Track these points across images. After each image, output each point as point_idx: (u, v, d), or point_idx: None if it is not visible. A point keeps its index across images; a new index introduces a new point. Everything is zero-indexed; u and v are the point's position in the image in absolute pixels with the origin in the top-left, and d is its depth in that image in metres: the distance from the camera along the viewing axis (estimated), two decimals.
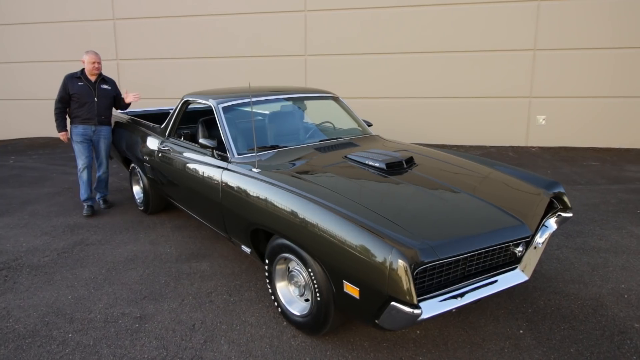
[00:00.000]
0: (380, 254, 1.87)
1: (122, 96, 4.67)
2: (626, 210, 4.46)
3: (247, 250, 2.89)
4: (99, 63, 4.39)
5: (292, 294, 2.59)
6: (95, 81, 4.40)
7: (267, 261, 2.64)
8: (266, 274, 2.68)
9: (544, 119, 7.66)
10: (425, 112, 7.94)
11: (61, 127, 4.42)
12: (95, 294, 3.01)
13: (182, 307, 2.83)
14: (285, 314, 2.58)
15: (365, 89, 7.98)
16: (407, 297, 1.80)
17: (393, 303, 1.83)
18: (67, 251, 3.69)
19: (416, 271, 1.87)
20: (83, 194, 4.55)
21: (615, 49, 7.14)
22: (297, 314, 2.48)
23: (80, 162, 4.48)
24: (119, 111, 5.06)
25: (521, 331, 2.53)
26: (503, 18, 7.35)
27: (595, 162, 6.56)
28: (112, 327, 2.63)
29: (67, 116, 4.46)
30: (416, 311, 1.80)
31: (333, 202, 2.23)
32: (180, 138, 3.74)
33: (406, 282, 1.80)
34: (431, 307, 1.89)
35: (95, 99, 4.37)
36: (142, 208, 4.56)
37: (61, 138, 4.49)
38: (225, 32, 8.25)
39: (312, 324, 2.38)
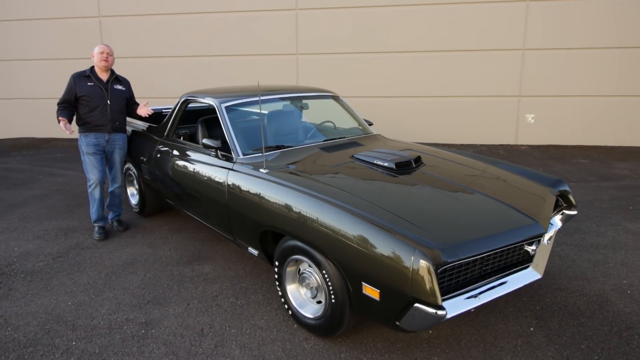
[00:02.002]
0: (402, 255, 1.85)
1: (138, 104, 4.04)
2: (619, 207, 4.56)
3: (255, 252, 2.84)
4: (109, 54, 3.73)
5: (304, 297, 2.55)
6: (108, 80, 3.76)
7: (276, 263, 2.60)
8: (276, 276, 2.63)
9: (532, 118, 7.78)
10: (415, 111, 7.98)
11: (62, 115, 3.59)
12: (96, 300, 2.92)
13: (188, 312, 2.77)
14: (296, 317, 2.54)
15: (356, 88, 7.97)
16: (432, 299, 1.79)
17: (416, 304, 1.81)
18: (62, 255, 3.57)
19: (437, 272, 1.85)
20: (94, 213, 3.89)
21: (601, 49, 7.30)
22: (310, 316, 2.45)
23: (92, 177, 3.79)
24: None
25: (532, 329, 2.55)
26: (493, 18, 7.43)
27: (583, 160, 6.70)
28: (117, 334, 2.55)
29: (73, 119, 3.76)
30: (441, 312, 1.78)
31: (349, 203, 2.20)
32: (180, 138, 3.66)
33: (430, 283, 1.78)
34: (454, 307, 1.88)
35: (108, 102, 3.72)
36: (137, 210, 4.45)
37: (63, 127, 3.56)
38: (215, 30, 8.14)
39: (326, 327, 2.35)
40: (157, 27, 8.27)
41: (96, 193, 3.85)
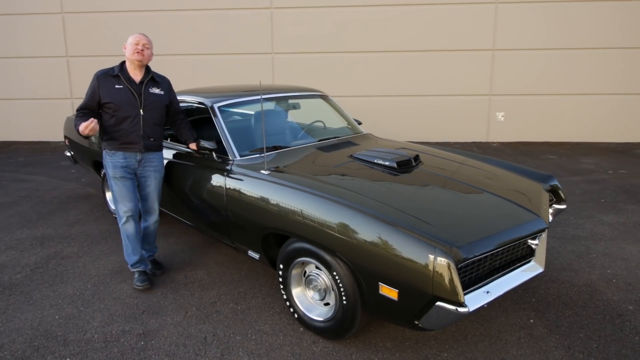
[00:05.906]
0: (422, 254, 1.85)
1: (183, 113, 3.18)
2: (592, 200, 4.79)
3: (256, 256, 2.78)
4: (147, 46, 2.80)
5: (310, 299, 2.51)
6: (142, 82, 2.85)
7: (281, 266, 2.55)
8: (280, 279, 2.58)
9: (502, 116, 8.06)
10: (389, 109, 8.08)
11: (84, 120, 2.66)
12: (85, 312, 2.76)
13: (187, 320, 2.67)
14: (303, 320, 2.50)
15: (330, 87, 7.95)
16: (455, 296, 1.80)
17: (439, 303, 1.82)
18: (41, 266, 3.36)
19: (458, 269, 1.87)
20: (130, 254, 3.02)
21: (568, 49, 7.65)
22: (319, 319, 2.41)
23: (123, 208, 2.91)
24: None
25: (531, 320, 2.63)
26: (464, 19, 7.63)
27: (552, 156, 7.00)
28: (114, 347, 2.42)
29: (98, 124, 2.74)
30: (462, 309, 1.80)
31: (360, 204, 2.19)
32: (167, 139, 3.52)
33: (452, 281, 1.80)
34: (472, 302, 1.90)
35: (141, 112, 2.83)
36: None
37: (87, 130, 2.60)
38: (186, 28, 7.91)
39: (337, 329, 2.32)
40: (123, 25, 7.94)
41: (129, 228, 2.96)
